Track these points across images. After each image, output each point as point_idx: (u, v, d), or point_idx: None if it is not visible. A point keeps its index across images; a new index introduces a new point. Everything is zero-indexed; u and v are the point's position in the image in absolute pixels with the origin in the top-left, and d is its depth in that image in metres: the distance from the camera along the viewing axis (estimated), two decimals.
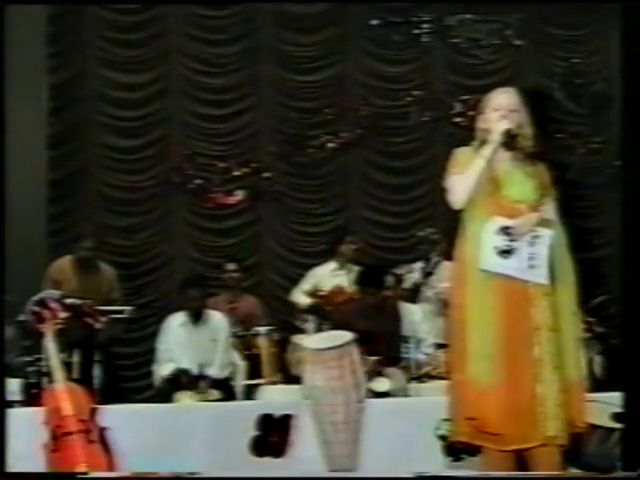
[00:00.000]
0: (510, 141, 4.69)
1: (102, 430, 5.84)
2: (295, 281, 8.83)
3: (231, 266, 8.74)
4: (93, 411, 5.86)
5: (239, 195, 9.97)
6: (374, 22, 9.83)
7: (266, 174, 9.94)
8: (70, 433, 5.72)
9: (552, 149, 9.02)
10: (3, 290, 5.30)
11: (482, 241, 4.64)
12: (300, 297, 8.56)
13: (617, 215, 9.86)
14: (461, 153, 4.79)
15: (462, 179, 4.68)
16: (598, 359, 7.89)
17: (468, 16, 9.72)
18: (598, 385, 6.69)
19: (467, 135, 4.83)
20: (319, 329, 7.79)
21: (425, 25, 9.81)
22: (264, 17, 10.06)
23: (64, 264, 8.43)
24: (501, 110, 4.71)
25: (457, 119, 9.57)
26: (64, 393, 5.84)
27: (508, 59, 9.86)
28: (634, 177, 4.77)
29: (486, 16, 9.73)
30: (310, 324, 8.01)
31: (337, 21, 10.01)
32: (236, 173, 9.92)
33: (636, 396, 4.63)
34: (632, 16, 4.86)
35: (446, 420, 4.80)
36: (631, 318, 4.72)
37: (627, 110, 4.85)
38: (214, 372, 7.56)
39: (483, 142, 4.73)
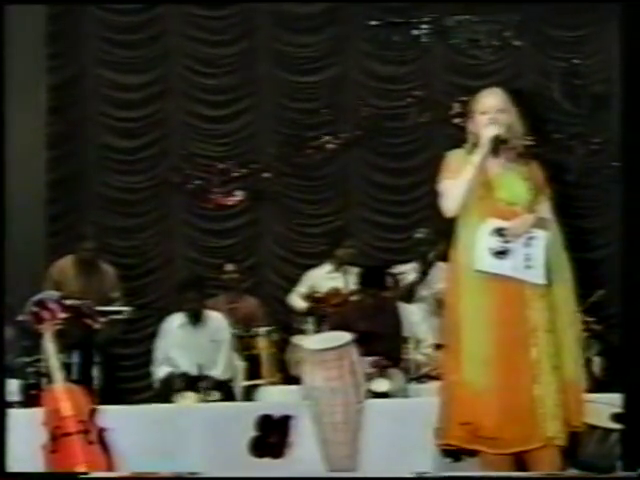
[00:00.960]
0: (499, 146, 4.67)
1: (101, 431, 5.84)
2: (295, 282, 8.82)
3: (230, 267, 8.74)
4: (92, 412, 5.86)
5: (238, 196, 9.96)
6: (373, 23, 9.83)
7: (265, 175, 9.93)
8: (69, 434, 5.72)
9: (550, 149, 9.03)
10: (3, 291, 5.30)
11: (476, 243, 4.63)
12: (297, 300, 8.56)
13: (616, 215, 9.90)
14: (453, 157, 4.77)
15: (454, 185, 4.67)
16: (597, 359, 7.89)
17: (467, 17, 9.72)
18: (597, 385, 6.69)
19: (465, 136, 4.83)
20: (318, 330, 7.79)
21: (424, 26, 9.81)
22: (263, 18, 10.06)
23: (65, 265, 8.43)
24: (488, 112, 4.68)
25: (456, 120, 9.56)
26: (63, 394, 5.84)
27: (507, 60, 9.85)
28: (634, 177, 4.77)
29: (485, 17, 9.72)
30: (309, 325, 8.01)
31: (336, 22, 10.01)
32: (235, 174, 9.92)
33: (636, 396, 4.62)
34: (632, 16, 4.86)
35: (439, 423, 4.76)
36: (631, 318, 4.71)
37: (627, 110, 4.85)
38: (217, 373, 7.55)
39: (474, 145, 4.72)
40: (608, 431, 5.24)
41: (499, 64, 9.85)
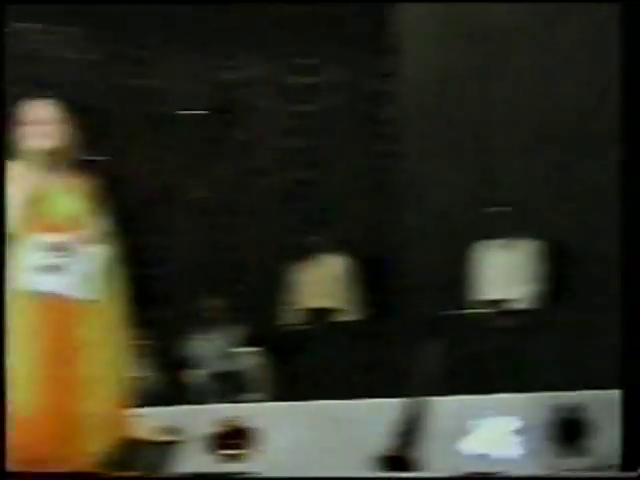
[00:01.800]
0: (48, 159, 4.52)
1: None
2: None
3: None
4: None
5: None
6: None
7: None
8: None
9: (112, 164, 9.06)
10: (3, 288, 4.59)
11: (24, 259, 4.52)
12: None
13: (175, 234, 10.05)
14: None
15: None
16: (152, 374, 8.02)
17: (28, 25, 9.57)
18: (150, 400, 6.77)
19: (16, 148, 4.67)
20: None
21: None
22: None
23: None
24: (37, 124, 4.55)
25: (11, 130, 9.34)
26: None
27: (72, 72, 9.76)
28: (634, 175, 4.91)
29: (50, 27, 9.61)
30: None
31: None
32: None
33: (635, 396, 4.82)
34: (632, 16, 4.96)
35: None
36: (631, 318, 4.95)
37: (627, 111, 4.98)
38: None
39: (23, 157, 4.60)
40: (159, 444, 5.34)
41: (63, 76, 9.74)
